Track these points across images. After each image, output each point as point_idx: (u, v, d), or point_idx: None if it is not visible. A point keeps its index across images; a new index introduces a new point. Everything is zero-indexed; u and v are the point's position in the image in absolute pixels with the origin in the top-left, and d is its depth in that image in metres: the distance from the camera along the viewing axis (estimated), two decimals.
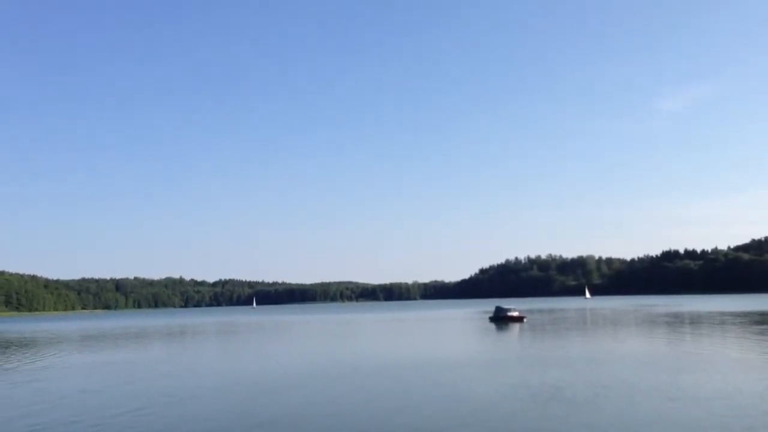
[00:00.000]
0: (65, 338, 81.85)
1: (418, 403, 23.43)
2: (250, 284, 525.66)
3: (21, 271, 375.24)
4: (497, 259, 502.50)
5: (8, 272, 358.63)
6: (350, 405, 23.51)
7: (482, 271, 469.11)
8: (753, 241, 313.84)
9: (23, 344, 69.65)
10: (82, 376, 36.58)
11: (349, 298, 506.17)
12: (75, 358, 49.12)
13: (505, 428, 18.74)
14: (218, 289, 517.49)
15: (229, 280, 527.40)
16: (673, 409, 21.02)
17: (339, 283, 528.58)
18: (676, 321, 75.33)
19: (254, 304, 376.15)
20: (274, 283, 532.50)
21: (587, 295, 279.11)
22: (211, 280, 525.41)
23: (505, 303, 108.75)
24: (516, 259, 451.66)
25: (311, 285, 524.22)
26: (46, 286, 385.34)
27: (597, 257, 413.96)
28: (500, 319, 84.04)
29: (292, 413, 22.09)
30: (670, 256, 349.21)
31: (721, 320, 73.44)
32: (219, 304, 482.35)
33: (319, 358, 44.42)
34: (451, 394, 25.45)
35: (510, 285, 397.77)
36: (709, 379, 27.41)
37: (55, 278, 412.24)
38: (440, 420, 20.22)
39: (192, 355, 51.61)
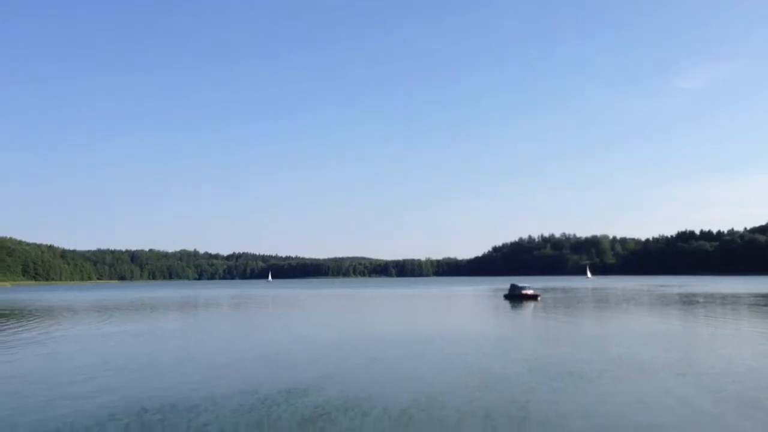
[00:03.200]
0: (81, 308, 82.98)
1: (431, 376, 23.73)
2: (264, 258, 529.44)
3: (38, 242, 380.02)
4: (510, 237, 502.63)
5: (26, 242, 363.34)
6: (365, 377, 23.85)
7: (495, 249, 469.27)
8: None
9: (41, 313, 70.69)
10: (99, 346, 37.17)
11: (362, 274, 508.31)
12: (91, 328, 49.82)
13: (517, 400, 18.98)
14: (232, 263, 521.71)
15: (243, 253, 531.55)
16: (682, 384, 21.19)
17: (352, 259, 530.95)
18: (689, 301, 75.20)
19: (270, 277, 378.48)
20: (288, 258, 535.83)
21: (588, 275, 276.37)
22: (224, 253, 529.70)
23: (520, 281, 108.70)
24: (529, 237, 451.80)
25: (324, 260, 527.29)
26: (62, 257, 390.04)
27: (611, 237, 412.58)
28: (515, 296, 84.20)
29: (310, 383, 22.40)
30: (685, 236, 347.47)
31: (735, 301, 73.23)
32: (232, 278, 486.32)
33: (335, 331, 44.86)
34: (465, 367, 25.71)
35: (523, 263, 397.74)
36: (720, 357, 27.52)
37: (71, 249, 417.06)
38: (453, 391, 20.51)
39: (215, 327, 52.20)
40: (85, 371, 26.36)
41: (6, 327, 50.64)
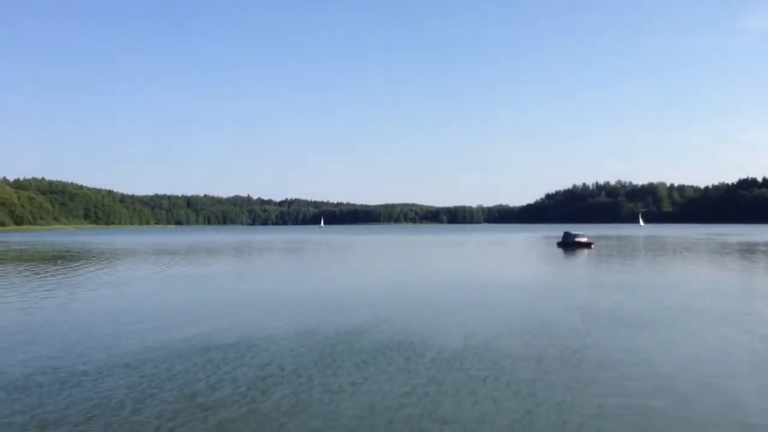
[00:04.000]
0: (143, 251, 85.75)
1: (484, 321, 23.99)
2: (316, 204, 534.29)
3: (98, 186, 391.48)
4: (564, 185, 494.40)
5: (87, 187, 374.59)
6: (419, 321, 24.25)
7: (548, 197, 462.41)
8: None
9: (106, 256, 73.34)
10: (161, 288, 38.52)
11: (413, 220, 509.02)
12: (153, 270, 51.58)
13: (570, 346, 19.12)
14: (284, 209, 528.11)
15: (295, 199, 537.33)
16: (737, 333, 20.96)
17: (403, 205, 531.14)
18: (748, 250, 73.32)
19: (322, 223, 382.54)
20: (339, 204, 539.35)
21: (641, 223, 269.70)
22: (277, 199, 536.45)
23: (573, 228, 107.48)
24: (583, 184, 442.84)
25: (375, 206, 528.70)
26: (121, 201, 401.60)
27: (669, 184, 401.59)
28: (568, 244, 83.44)
29: (365, 326, 22.92)
30: (747, 184, 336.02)
31: None
32: (285, 223, 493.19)
33: (387, 276, 45.54)
34: (518, 313, 25.89)
35: (576, 211, 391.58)
36: None
37: (129, 194, 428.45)
38: (506, 336, 20.75)
39: (270, 271, 53.44)
40: (150, 311, 27.48)
41: (74, 269, 52.82)
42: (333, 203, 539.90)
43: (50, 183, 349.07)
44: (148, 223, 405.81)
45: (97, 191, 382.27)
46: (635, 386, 14.87)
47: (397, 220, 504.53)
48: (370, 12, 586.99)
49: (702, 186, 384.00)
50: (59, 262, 61.68)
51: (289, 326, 22.99)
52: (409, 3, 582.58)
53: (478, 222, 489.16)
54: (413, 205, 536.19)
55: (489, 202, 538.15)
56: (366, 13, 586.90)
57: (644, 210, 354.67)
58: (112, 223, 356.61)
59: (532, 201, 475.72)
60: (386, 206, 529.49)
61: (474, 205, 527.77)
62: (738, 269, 48.66)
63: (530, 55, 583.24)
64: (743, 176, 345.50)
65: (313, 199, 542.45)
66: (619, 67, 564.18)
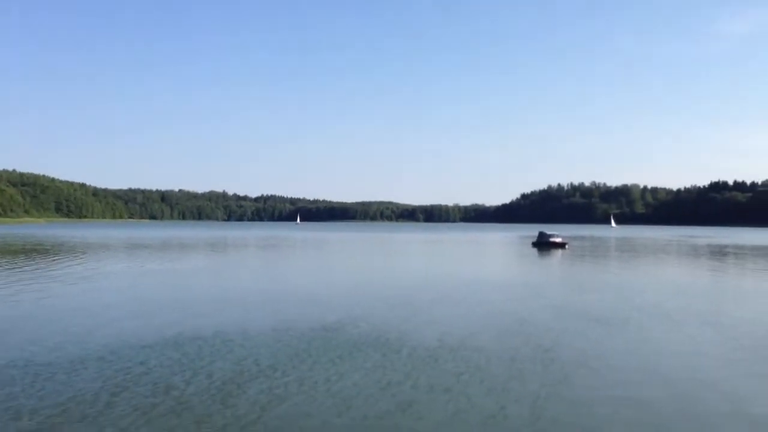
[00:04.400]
0: (116, 246, 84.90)
1: (459, 319, 24.18)
2: (292, 201, 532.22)
3: (71, 179, 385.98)
4: (539, 185, 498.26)
5: (59, 180, 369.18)
6: (394, 319, 24.35)
7: (524, 197, 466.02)
8: None
9: (78, 250, 72.51)
10: (136, 282, 38.22)
11: (389, 218, 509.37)
12: (128, 265, 51.14)
13: (543, 344, 19.36)
14: (260, 205, 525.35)
15: (271, 196, 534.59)
16: (705, 333, 21.38)
17: (379, 203, 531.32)
18: (718, 252, 74.58)
19: (298, 220, 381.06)
20: (315, 201, 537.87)
21: (613, 224, 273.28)
22: (253, 195, 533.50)
23: (548, 229, 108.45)
24: (558, 185, 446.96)
25: (352, 204, 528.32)
26: (94, 195, 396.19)
27: (642, 186, 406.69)
28: (543, 244, 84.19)
29: (341, 323, 22.97)
30: (718, 187, 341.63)
31: (767, 253, 72.42)
32: (261, 219, 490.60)
33: (364, 274, 45.65)
34: (493, 311, 26.12)
35: (551, 211, 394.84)
36: (746, 309, 27.56)
37: (103, 187, 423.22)
38: (480, 334, 20.95)
39: (246, 267, 53.25)
40: (124, 306, 27.27)
41: (48, 263, 52.17)
42: (309, 200, 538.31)
43: (21, 175, 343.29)
44: (121, 217, 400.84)
45: (70, 184, 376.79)
46: (607, 383, 15.11)
47: (373, 218, 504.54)
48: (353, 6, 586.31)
49: (674, 188, 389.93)
50: (32, 255, 60.84)
51: (265, 322, 22.96)
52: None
53: (454, 221, 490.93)
54: (390, 203, 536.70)
55: (465, 201, 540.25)
56: (349, 8, 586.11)
57: (617, 211, 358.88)
58: (85, 217, 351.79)
59: (508, 201, 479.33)
60: (363, 204, 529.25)
61: (450, 203, 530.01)
62: (708, 270, 49.50)
63: (506, 56, 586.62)
64: (715, 179, 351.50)
65: (290, 196, 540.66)
66: (594, 70, 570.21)
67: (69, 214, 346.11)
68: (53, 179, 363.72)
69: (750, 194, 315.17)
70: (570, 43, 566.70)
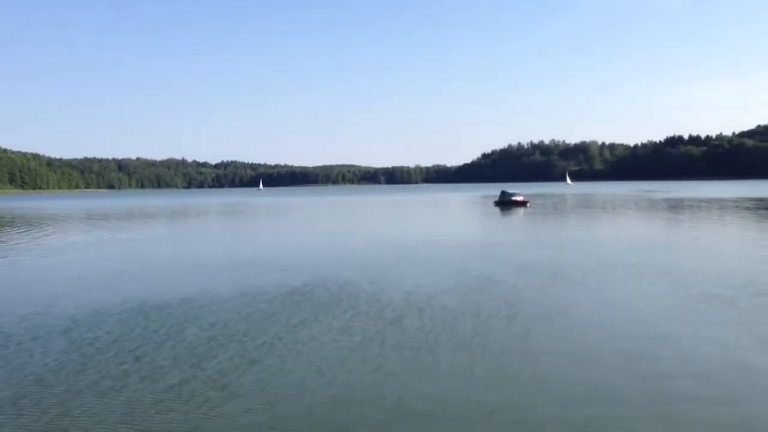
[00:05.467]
0: (74, 216, 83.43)
1: (424, 279, 24.51)
2: (253, 166, 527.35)
3: (23, 149, 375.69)
4: (500, 144, 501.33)
5: (11, 150, 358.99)
6: (360, 280, 24.58)
7: (484, 156, 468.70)
8: (759, 126, 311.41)
9: (35, 222, 71.08)
10: (95, 252, 37.78)
11: (351, 181, 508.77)
12: (87, 236, 50.40)
13: (507, 300, 19.78)
14: (220, 171, 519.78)
15: (232, 161, 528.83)
16: (661, 283, 22.09)
17: (341, 166, 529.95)
18: (674, 206, 76.42)
19: (261, 186, 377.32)
20: (277, 166, 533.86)
21: (568, 181, 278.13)
22: (213, 161, 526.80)
23: (509, 188, 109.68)
24: (518, 144, 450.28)
25: (313, 168, 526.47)
26: (49, 165, 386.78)
27: (600, 143, 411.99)
28: (505, 203, 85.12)
29: (308, 286, 23.13)
30: (673, 141, 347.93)
31: (720, 205, 74.51)
32: (221, 186, 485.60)
33: (328, 238, 45.81)
34: (457, 271, 26.50)
35: (512, 170, 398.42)
36: (700, 259, 28.45)
37: (57, 157, 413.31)
38: (445, 293, 21.30)
39: (210, 234, 52.93)
40: (88, 276, 27.00)
41: (5, 234, 51.08)
42: (270, 165, 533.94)
43: None
44: (77, 187, 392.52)
45: (23, 155, 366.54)
46: (566, 336, 15.58)
47: (335, 182, 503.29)
48: None
49: (632, 144, 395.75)
50: None
51: (233, 287, 22.98)
52: None
53: (416, 182, 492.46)
54: (351, 165, 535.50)
55: (427, 162, 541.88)
56: None
57: (576, 168, 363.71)
58: (40, 188, 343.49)
59: (469, 161, 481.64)
60: (324, 167, 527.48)
61: (412, 165, 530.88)
62: (664, 224, 50.77)
63: (468, 20, 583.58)
64: (670, 134, 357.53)
65: (250, 162, 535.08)
66: (551, 28, 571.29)
67: (23, 185, 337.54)
68: (5, 150, 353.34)
69: (704, 148, 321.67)
70: (526, 2, 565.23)
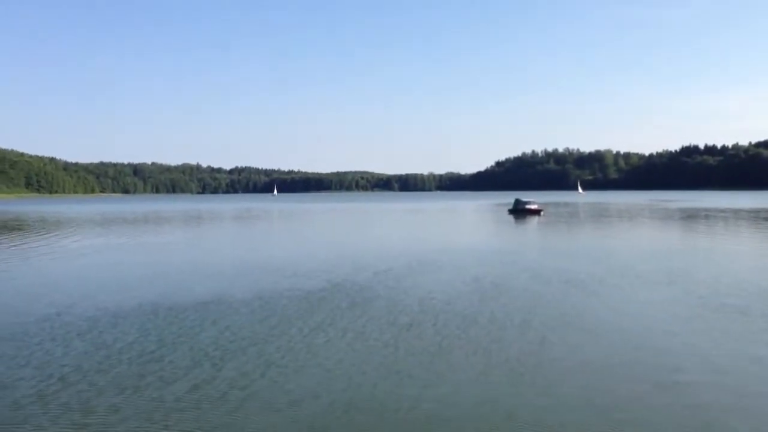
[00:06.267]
0: (90, 220, 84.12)
1: (439, 285, 24.61)
2: (266, 172, 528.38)
3: (40, 154, 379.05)
4: (514, 152, 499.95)
5: (28, 154, 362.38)
6: (375, 286, 24.73)
7: (498, 164, 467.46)
8: None
9: (52, 226, 71.77)
10: (112, 256, 38.13)
11: (365, 188, 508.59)
12: (105, 240, 50.88)
13: (522, 307, 19.85)
14: (234, 177, 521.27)
15: (246, 167, 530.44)
16: (673, 291, 22.08)
17: (355, 173, 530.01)
18: (689, 216, 76.00)
19: (275, 191, 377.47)
20: (290, 172, 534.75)
21: (579, 190, 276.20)
22: (227, 167, 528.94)
23: (523, 196, 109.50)
24: (533, 152, 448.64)
25: (327, 174, 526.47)
26: (65, 169, 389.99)
27: (615, 152, 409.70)
28: (519, 211, 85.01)
29: (322, 291, 23.30)
30: (689, 151, 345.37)
31: (736, 216, 74.01)
32: (235, 191, 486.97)
33: (342, 244, 46.00)
34: (472, 277, 26.57)
35: (525, 178, 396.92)
36: (714, 269, 28.36)
37: (74, 161, 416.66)
38: (460, 299, 21.41)
39: (227, 239, 53.26)
40: (104, 279, 27.29)
41: (24, 238, 51.71)
42: (284, 171, 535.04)
43: None
44: (93, 191, 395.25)
45: (39, 159, 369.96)
46: (584, 342, 15.62)
47: (348, 188, 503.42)
48: None
49: (647, 153, 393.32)
50: (5, 231, 60.16)
51: (248, 292, 23.16)
52: None
53: (429, 189, 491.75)
54: (365, 172, 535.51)
55: (440, 169, 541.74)
56: None
57: (591, 177, 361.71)
58: (56, 192, 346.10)
59: (482, 168, 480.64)
60: (338, 174, 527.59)
61: (425, 172, 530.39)
62: (679, 233, 50.57)
63: (480, 25, 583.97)
64: (686, 143, 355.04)
65: (264, 167, 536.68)
66: (567, 37, 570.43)
67: (40, 189, 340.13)
68: (22, 154, 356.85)
69: (720, 158, 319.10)
70: (540, 10, 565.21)
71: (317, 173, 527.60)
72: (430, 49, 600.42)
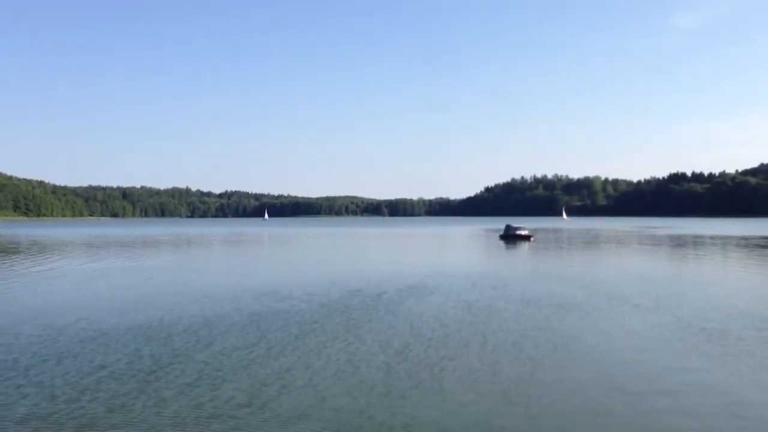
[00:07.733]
0: (79, 244, 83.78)
1: (432, 309, 24.81)
2: (256, 196, 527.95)
3: (28, 177, 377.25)
4: (503, 178, 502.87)
5: (16, 177, 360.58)
6: (366, 311, 24.90)
7: (488, 190, 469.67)
8: (762, 165, 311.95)
9: (41, 249, 71.43)
10: (90, 282, 38.02)
11: (354, 213, 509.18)
12: (94, 264, 50.67)
13: (514, 330, 20.05)
14: (224, 201, 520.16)
15: (235, 191, 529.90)
16: (658, 316, 22.41)
17: (344, 198, 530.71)
18: (676, 243, 76.65)
19: (266, 216, 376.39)
20: (280, 196, 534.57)
21: (564, 216, 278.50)
22: (217, 191, 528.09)
23: (512, 222, 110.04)
24: (522, 178, 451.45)
25: (317, 199, 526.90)
26: (53, 192, 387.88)
27: (603, 178, 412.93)
28: (509, 237, 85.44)
29: (312, 315, 23.42)
30: (677, 178, 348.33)
31: (723, 243, 74.69)
32: (225, 216, 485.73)
33: (333, 268, 46.08)
34: (464, 302, 26.79)
35: (514, 204, 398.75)
36: (699, 295, 28.75)
37: (62, 185, 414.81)
38: (452, 323, 21.62)
39: (217, 263, 53.14)
40: (94, 303, 27.25)
41: (13, 261, 51.43)
42: (274, 195, 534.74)
43: None
44: (81, 215, 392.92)
45: (27, 182, 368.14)
46: (573, 365, 15.83)
47: (338, 213, 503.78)
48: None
49: (635, 180, 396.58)
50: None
51: (241, 316, 23.26)
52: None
53: (419, 214, 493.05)
54: (354, 197, 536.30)
55: (430, 194, 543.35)
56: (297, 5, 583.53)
57: (579, 203, 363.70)
58: (44, 216, 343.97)
59: (472, 194, 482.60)
60: (327, 198, 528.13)
61: (415, 197, 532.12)
62: (666, 260, 51.02)
63: (472, 52, 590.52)
64: (674, 171, 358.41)
65: (254, 192, 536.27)
66: (555, 63, 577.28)
67: (27, 212, 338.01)
68: (10, 177, 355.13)
69: (707, 185, 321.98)
70: (531, 38, 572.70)
71: (307, 197, 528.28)
72: (420, 75, 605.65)
